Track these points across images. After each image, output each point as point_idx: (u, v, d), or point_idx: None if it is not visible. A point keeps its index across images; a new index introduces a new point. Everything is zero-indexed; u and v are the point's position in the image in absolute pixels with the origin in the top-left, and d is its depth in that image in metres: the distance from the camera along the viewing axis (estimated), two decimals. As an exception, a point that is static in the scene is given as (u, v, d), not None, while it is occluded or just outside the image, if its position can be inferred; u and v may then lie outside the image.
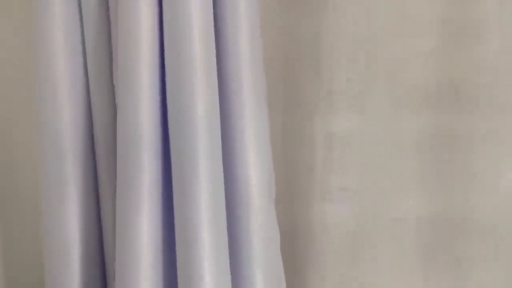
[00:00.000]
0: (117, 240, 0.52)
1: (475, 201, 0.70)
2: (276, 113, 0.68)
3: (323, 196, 0.69)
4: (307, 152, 0.69)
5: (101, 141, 0.55)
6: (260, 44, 0.55)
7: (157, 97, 0.51)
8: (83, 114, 0.55)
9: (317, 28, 0.68)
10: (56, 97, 0.53)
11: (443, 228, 0.71)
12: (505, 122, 0.68)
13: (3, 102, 0.69)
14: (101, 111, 0.54)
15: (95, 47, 0.53)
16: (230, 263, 0.52)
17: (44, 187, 0.55)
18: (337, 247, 0.69)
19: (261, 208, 0.54)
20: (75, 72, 0.54)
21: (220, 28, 0.52)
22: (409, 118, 0.69)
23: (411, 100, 0.69)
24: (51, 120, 0.54)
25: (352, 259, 0.70)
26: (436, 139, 0.69)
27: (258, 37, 0.54)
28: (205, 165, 0.49)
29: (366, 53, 0.68)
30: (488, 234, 0.70)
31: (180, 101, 0.50)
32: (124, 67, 0.50)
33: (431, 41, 0.67)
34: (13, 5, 0.67)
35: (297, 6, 0.68)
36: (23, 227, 0.70)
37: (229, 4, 0.52)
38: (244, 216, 0.53)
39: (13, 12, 0.67)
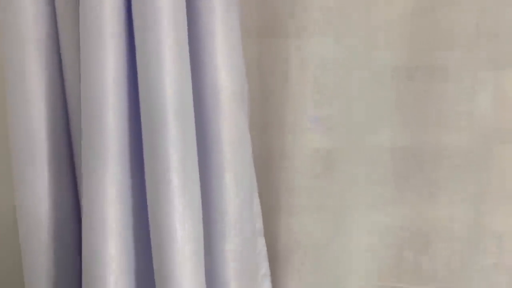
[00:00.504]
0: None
1: (448, 130, 0.70)
2: (251, 40, 0.65)
3: (298, 124, 0.67)
4: (282, 79, 0.66)
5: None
6: None
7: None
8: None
9: None
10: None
11: (417, 155, 0.71)
12: (480, 54, 0.68)
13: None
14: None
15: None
16: (200, 168, 0.50)
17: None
18: (311, 167, 0.68)
19: (231, 112, 0.51)
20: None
21: None
22: (385, 48, 0.68)
23: (387, 31, 0.67)
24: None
25: (326, 176, 0.69)
26: (411, 71, 0.69)
27: None
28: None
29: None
30: (459, 160, 0.71)
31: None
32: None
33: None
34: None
35: None
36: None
37: None
38: (214, 119, 0.50)
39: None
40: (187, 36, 0.47)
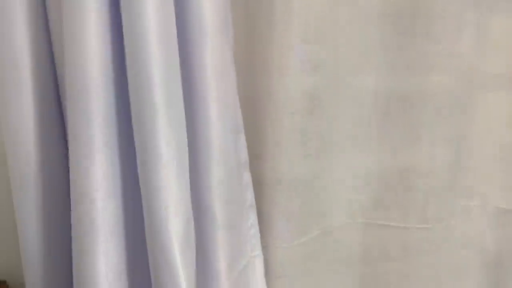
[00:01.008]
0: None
1: (432, 72, 0.73)
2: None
3: (283, 63, 0.68)
4: (267, 19, 0.66)
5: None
6: None
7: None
8: None
9: None
10: None
11: (401, 96, 0.74)
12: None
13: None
14: None
15: None
16: (184, 97, 0.50)
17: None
18: (296, 106, 0.69)
19: (215, 42, 0.51)
20: None
21: None
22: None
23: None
24: None
25: (311, 115, 0.71)
26: (397, 12, 0.70)
27: None
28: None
29: None
30: (442, 101, 0.74)
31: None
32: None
33: None
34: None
35: None
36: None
37: None
38: (198, 47, 0.50)
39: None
40: None
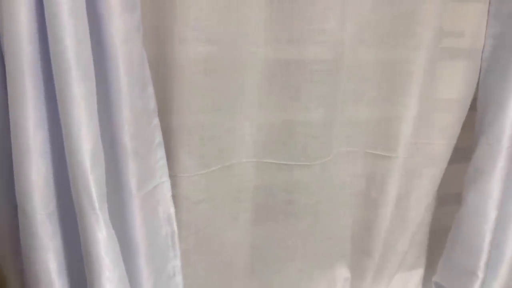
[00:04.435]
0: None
1: (308, 44, 0.90)
2: None
3: (183, 37, 0.81)
4: (170, 5, 0.79)
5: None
6: None
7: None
8: None
9: None
10: None
11: (284, 65, 0.91)
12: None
13: None
14: None
15: None
16: (97, 59, 0.67)
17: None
18: (195, 68, 0.84)
19: (120, 16, 0.67)
20: None
21: None
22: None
23: None
24: None
25: (210, 78, 0.85)
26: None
27: None
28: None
29: None
30: (317, 67, 0.92)
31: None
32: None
33: None
34: None
35: None
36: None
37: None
38: (106, 22, 0.66)
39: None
40: None
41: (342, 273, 1.17)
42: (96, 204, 0.67)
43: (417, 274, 1.27)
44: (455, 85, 1.07)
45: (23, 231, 0.70)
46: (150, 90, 0.80)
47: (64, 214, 0.70)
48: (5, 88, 0.67)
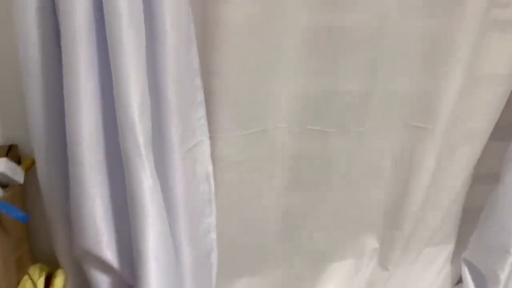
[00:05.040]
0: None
1: (354, 12, 0.89)
2: None
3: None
4: None
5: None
6: None
7: None
8: None
9: None
10: None
11: (326, 33, 0.90)
12: None
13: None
14: None
15: None
16: (146, 18, 0.69)
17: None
18: (239, 30, 0.83)
19: None
20: None
21: None
22: None
23: None
24: None
25: (251, 36, 0.85)
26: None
27: None
28: None
29: None
30: (361, 38, 0.91)
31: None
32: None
33: None
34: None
35: None
36: None
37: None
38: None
39: None
40: None
41: (371, 243, 1.17)
42: (143, 153, 0.69)
43: (447, 250, 1.27)
44: (502, 59, 1.03)
45: (72, 177, 0.73)
46: (194, 49, 0.81)
47: (111, 163, 0.73)
48: (57, 39, 0.69)
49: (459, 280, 1.34)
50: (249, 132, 0.94)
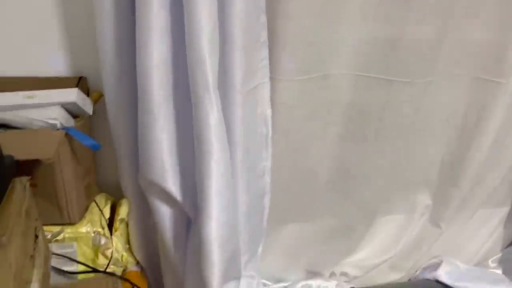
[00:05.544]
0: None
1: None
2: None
3: None
4: None
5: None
6: None
7: None
8: None
9: None
10: None
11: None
12: None
13: None
14: None
15: None
16: None
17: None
18: None
19: None
20: None
21: None
22: None
23: None
24: None
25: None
26: None
27: None
28: None
29: None
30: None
31: None
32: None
33: None
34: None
35: None
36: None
37: None
38: None
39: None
40: None
41: (424, 199, 1.15)
42: (211, 88, 0.70)
43: (502, 212, 1.23)
44: None
45: (141, 110, 0.75)
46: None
47: (179, 98, 0.74)
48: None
49: (510, 243, 1.31)
50: (310, 76, 0.92)
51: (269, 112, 0.91)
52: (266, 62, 0.86)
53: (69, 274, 0.78)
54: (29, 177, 0.65)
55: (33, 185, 0.65)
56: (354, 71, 0.95)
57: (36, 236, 0.61)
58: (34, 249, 0.58)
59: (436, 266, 1.23)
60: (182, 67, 0.72)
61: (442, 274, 1.19)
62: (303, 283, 1.17)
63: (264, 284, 1.16)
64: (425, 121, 1.03)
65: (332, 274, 1.21)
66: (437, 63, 0.96)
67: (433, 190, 1.15)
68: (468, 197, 1.13)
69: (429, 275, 1.22)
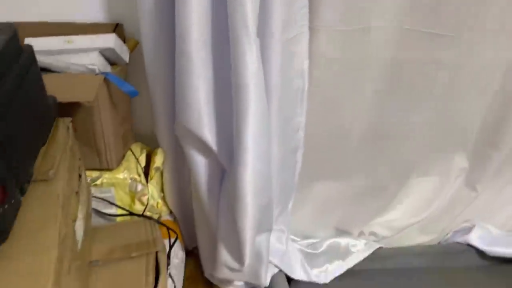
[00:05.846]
0: None
1: None
2: None
3: None
4: None
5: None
6: None
7: None
8: None
9: None
10: None
11: None
12: None
13: None
14: None
15: None
16: None
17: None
18: None
19: None
20: None
21: None
22: None
23: None
24: None
25: None
26: None
27: None
28: None
29: None
30: None
31: None
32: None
33: None
34: None
35: None
36: None
37: None
38: None
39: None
40: None
41: (460, 162, 1.12)
42: (251, 32, 0.68)
43: (543, 179, 1.19)
44: None
45: (178, 56, 0.74)
46: None
47: (218, 43, 0.73)
48: None
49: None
50: (351, 28, 0.88)
51: (306, 64, 0.88)
52: (305, 10, 0.82)
53: (108, 216, 0.80)
54: (71, 119, 0.65)
55: (73, 129, 0.66)
56: (398, 24, 0.90)
57: (80, 176, 0.63)
58: (79, 186, 0.60)
59: (468, 230, 1.21)
60: (222, 12, 0.70)
61: (474, 238, 1.18)
62: (332, 240, 1.18)
63: (293, 240, 1.18)
64: (469, 78, 0.98)
65: (361, 234, 1.21)
66: (487, 18, 0.90)
67: (470, 152, 1.11)
68: (507, 161, 1.09)
69: (460, 239, 1.21)
